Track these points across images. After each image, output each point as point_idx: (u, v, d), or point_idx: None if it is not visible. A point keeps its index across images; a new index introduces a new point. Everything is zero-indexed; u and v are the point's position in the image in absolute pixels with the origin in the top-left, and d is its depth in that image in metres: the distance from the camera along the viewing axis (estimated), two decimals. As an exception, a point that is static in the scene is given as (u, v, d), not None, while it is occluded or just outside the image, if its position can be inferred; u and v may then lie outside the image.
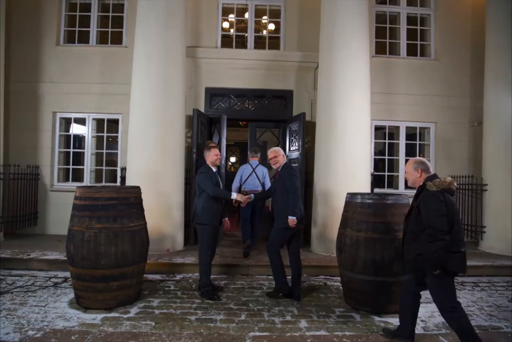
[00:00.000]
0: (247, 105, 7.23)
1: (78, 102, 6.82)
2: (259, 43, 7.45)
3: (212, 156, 4.16)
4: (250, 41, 7.21)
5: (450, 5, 7.28)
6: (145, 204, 4.07)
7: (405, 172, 3.08)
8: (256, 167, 5.94)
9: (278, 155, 4.19)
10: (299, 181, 4.20)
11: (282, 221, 3.98)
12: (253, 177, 5.90)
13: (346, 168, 5.58)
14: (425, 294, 4.24)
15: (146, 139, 5.54)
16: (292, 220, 3.91)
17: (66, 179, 7.11)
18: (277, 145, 7.57)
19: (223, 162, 6.56)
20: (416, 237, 2.84)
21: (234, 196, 4.12)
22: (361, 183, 5.59)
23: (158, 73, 5.57)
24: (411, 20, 7.36)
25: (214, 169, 4.19)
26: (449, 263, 2.71)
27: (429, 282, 2.83)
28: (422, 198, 2.81)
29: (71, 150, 7.08)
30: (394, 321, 3.47)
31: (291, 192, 3.98)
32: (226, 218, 4.34)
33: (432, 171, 2.98)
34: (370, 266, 3.60)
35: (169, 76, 5.62)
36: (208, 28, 7.08)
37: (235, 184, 5.98)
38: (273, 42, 7.38)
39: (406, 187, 7.21)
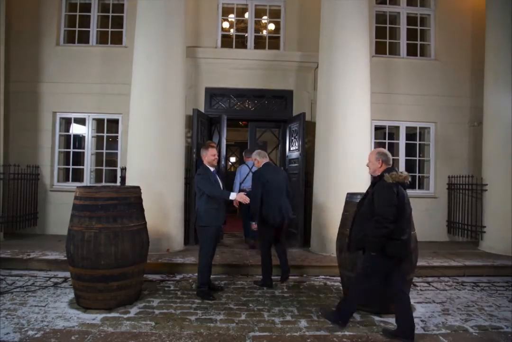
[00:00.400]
0: (247, 105, 7.23)
1: (78, 102, 6.82)
2: (259, 43, 7.45)
3: (209, 156, 4.10)
4: (250, 41, 7.21)
5: (450, 5, 7.28)
6: (145, 204, 4.07)
7: (368, 160, 3.31)
8: (252, 167, 6.07)
9: (254, 160, 4.66)
10: (260, 183, 4.34)
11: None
12: (250, 176, 6.06)
13: (346, 168, 5.58)
14: (424, 295, 4.27)
15: (146, 139, 5.54)
16: (251, 224, 4.39)
17: (66, 179, 7.11)
18: (277, 145, 7.58)
19: (223, 163, 6.56)
20: (365, 219, 3.10)
21: (233, 196, 3.96)
22: (361, 183, 5.56)
23: (158, 73, 5.57)
24: (411, 20, 7.36)
25: (212, 169, 4.13)
26: (388, 248, 2.98)
27: (365, 256, 3.15)
28: (378, 187, 3.08)
29: (71, 150, 7.08)
30: (394, 321, 3.47)
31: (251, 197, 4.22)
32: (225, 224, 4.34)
33: (391, 163, 3.24)
34: (370, 266, 3.59)
35: (169, 76, 5.62)
36: (208, 28, 7.08)
37: (236, 185, 6.20)
38: (273, 42, 7.38)
39: (406, 187, 7.20)
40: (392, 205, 2.95)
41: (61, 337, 3.01)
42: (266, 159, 4.59)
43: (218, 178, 4.17)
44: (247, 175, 6.17)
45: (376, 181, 3.17)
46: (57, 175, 6.98)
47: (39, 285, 4.27)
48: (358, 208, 3.30)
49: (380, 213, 2.95)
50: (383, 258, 3.02)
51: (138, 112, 5.64)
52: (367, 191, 3.27)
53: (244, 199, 3.98)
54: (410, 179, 3.11)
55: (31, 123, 6.81)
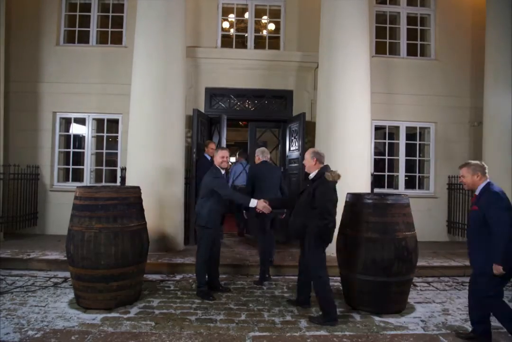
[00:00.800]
0: (247, 105, 7.23)
1: (78, 102, 6.82)
2: (259, 43, 7.45)
3: (217, 159, 4.08)
4: (250, 41, 7.21)
5: (450, 5, 7.27)
6: (145, 204, 4.07)
7: (304, 159, 3.71)
8: (246, 166, 6.73)
9: (255, 156, 5.08)
10: (251, 176, 4.90)
11: None
12: (243, 174, 6.74)
13: (346, 168, 5.52)
14: (424, 295, 4.27)
15: (146, 139, 5.54)
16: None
17: (66, 179, 7.11)
18: (277, 145, 7.59)
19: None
20: (303, 211, 3.52)
21: (253, 203, 3.91)
22: (361, 183, 5.58)
23: (158, 73, 5.57)
24: (411, 20, 7.36)
25: (222, 171, 4.12)
26: (323, 235, 3.39)
27: (306, 250, 3.50)
28: (319, 184, 3.45)
29: (71, 150, 7.08)
30: (394, 321, 3.49)
31: None
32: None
33: (324, 161, 3.64)
34: (370, 266, 3.60)
35: (169, 76, 5.62)
36: (208, 28, 7.08)
37: (229, 182, 6.67)
38: (273, 42, 7.38)
39: (406, 186, 7.22)
40: (332, 200, 3.41)
41: (61, 337, 3.01)
42: (265, 159, 4.98)
43: (225, 181, 4.17)
44: (240, 172, 6.68)
45: (316, 178, 3.54)
46: (57, 175, 6.98)
47: (39, 285, 4.27)
48: (296, 201, 3.69)
49: (322, 207, 3.35)
50: (320, 245, 3.44)
51: (138, 112, 5.64)
52: (305, 185, 3.69)
53: (268, 208, 3.94)
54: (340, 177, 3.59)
55: (31, 123, 6.81)
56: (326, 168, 3.54)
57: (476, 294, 3.08)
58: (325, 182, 3.42)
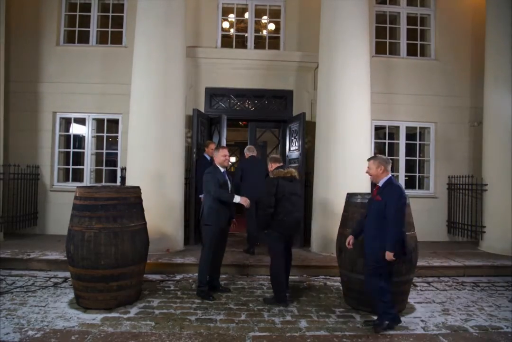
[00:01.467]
0: (247, 105, 7.23)
1: (78, 102, 6.82)
2: (259, 43, 7.45)
3: (219, 157, 4.09)
4: (250, 41, 7.21)
5: (450, 5, 7.28)
6: (145, 204, 4.07)
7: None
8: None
9: (245, 153, 5.99)
10: (239, 169, 5.82)
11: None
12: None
13: (346, 168, 5.58)
14: (424, 295, 4.27)
15: (146, 139, 5.54)
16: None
17: (66, 179, 7.11)
18: (277, 145, 7.60)
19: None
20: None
21: (237, 199, 3.99)
22: (361, 183, 5.57)
23: (158, 73, 5.57)
24: (411, 20, 7.36)
25: (222, 169, 4.11)
26: (272, 225, 3.82)
27: (267, 242, 4.06)
28: (265, 181, 4.10)
29: (71, 150, 7.07)
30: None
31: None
32: (233, 219, 4.25)
33: (281, 161, 4.12)
34: (370, 266, 3.59)
35: (169, 76, 5.62)
36: (208, 28, 7.08)
37: None
38: (273, 42, 7.38)
39: (406, 186, 7.21)
40: (272, 195, 3.77)
41: (61, 337, 3.01)
42: (252, 154, 5.87)
43: (227, 178, 4.14)
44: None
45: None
46: (57, 175, 6.97)
47: (39, 285, 4.27)
48: (259, 199, 4.31)
49: (262, 201, 3.92)
50: (274, 234, 3.82)
51: (138, 112, 5.63)
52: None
53: (248, 203, 4.04)
54: (293, 174, 3.93)
55: (31, 123, 6.81)
56: (279, 167, 3.99)
57: (374, 281, 3.24)
58: (268, 179, 4.01)
